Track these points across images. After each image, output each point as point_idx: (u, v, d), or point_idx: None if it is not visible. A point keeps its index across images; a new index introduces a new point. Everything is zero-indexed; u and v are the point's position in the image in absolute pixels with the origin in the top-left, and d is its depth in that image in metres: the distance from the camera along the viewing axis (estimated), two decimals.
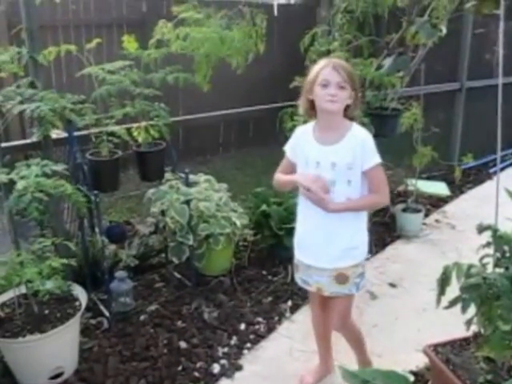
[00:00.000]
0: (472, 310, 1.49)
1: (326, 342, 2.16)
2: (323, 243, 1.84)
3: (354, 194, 1.80)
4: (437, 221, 3.92)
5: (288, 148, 1.95)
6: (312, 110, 1.84)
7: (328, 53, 3.19)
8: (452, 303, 1.48)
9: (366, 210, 1.95)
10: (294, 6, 5.58)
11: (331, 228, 1.82)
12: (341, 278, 1.85)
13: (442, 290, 1.51)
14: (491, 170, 4.93)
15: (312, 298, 2.09)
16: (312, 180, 1.78)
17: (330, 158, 1.78)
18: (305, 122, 3.17)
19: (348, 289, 1.88)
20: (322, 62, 1.78)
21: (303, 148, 1.86)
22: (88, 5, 3.56)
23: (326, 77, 1.72)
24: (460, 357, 1.71)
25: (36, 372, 2.10)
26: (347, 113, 1.82)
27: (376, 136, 3.13)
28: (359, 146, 1.76)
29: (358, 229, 1.87)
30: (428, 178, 4.34)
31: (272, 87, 3.87)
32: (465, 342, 1.80)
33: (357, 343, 2.11)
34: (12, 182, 1.86)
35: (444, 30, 3.03)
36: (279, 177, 1.98)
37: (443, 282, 1.50)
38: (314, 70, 1.78)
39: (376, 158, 1.79)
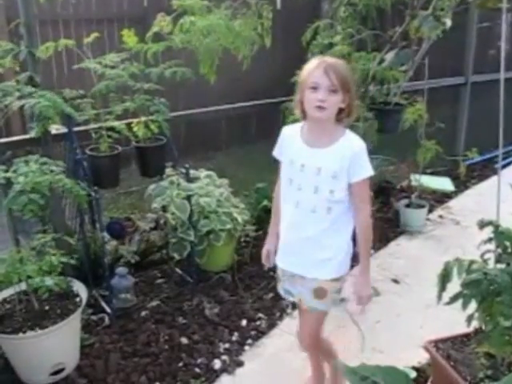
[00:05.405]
0: (473, 305, 1.47)
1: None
2: (309, 251, 1.73)
3: (336, 206, 1.67)
4: (441, 216, 3.89)
5: (275, 150, 1.83)
6: (304, 111, 1.68)
7: (330, 46, 3.16)
8: (453, 299, 1.46)
9: (369, 237, 1.75)
10: None
11: (316, 236, 1.71)
12: (319, 291, 1.73)
13: (442, 286, 1.49)
14: (496, 166, 4.88)
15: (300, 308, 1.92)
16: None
17: (316, 163, 1.65)
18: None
19: (325, 305, 1.77)
20: (313, 62, 1.63)
21: (289, 148, 1.74)
22: None
23: (316, 79, 1.58)
24: (461, 353, 1.70)
25: (37, 368, 2.10)
26: (340, 117, 1.66)
27: (379, 131, 3.16)
28: (350, 157, 1.61)
29: (341, 240, 1.74)
30: (432, 174, 4.31)
31: (275, 82, 3.84)
32: (466, 337, 1.79)
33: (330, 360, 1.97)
34: (10, 180, 1.85)
35: (448, 23, 2.98)
36: (274, 205, 1.89)
37: (444, 278, 1.48)
38: (305, 69, 1.64)
39: (369, 171, 1.64)
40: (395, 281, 2.97)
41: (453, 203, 4.14)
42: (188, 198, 2.69)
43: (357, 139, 1.68)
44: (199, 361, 2.27)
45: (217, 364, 2.26)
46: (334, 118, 1.65)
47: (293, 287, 1.82)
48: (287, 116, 3.25)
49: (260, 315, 2.60)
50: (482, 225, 1.49)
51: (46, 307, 2.18)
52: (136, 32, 2.47)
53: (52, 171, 1.93)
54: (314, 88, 1.59)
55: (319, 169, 1.64)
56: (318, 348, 1.94)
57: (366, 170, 1.64)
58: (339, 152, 1.63)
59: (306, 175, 1.67)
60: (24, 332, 2.03)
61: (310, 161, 1.67)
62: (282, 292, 1.90)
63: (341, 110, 1.64)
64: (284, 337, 2.45)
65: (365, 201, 1.70)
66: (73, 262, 2.13)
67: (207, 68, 2.53)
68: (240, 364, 2.27)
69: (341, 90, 1.59)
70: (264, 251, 1.93)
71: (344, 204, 1.68)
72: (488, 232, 1.58)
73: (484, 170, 4.81)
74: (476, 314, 1.49)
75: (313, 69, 1.61)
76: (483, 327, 1.51)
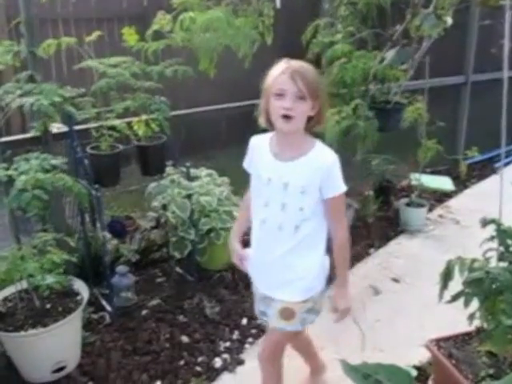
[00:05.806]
0: (475, 304, 1.47)
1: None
2: (276, 271, 1.64)
3: (305, 225, 1.55)
4: (440, 216, 3.89)
5: (245, 161, 1.72)
6: (270, 121, 1.56)
7: (331, 45, 3.16)
8: (455, 297, 1.47)
9: (346, 253, 1.65)
10: None
11: (283, 256, 1.60)
12: (286, 312, 1.62)
13: (444, 285, 1.50)
14: (497, 165, 4.88)
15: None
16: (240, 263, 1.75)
17: (282, 177, 1.53)
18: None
19: (294, 326, 1.67)
20: (278, 67, 1.50)
21: (257, 160, 1.64)
22: None
23: (281, 86, 1.46)
24: (462, 351, 1.70)
25: (39, 366, 2.11)
26: (309, 126, 1.55)
27: (380, 130, 3.16)
28: (322, 172, 1.50)
29: (310, 260, 1.63)
30: (432, 173, 4.30)
31: None
32: (467, 336, 1.79)
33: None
34: (11, 177, 1.85)
35: (449, 21, 2.98)
36: (240, 212, 1.87)
37: (446, 277, 1.48)
38: (270, 75, 1.51)
39: (342, 187, 1.55)
40: (395, 280, 2.97)
41: (453, 202, 4.14)
42: (188, 196, 2.69)
43: (328, 152, 1.56)
44: (200, 359, 2.28)
45: (217, 362, 2.26)
46: (302, 128, 1.54)
47: (266, 307, 1.71)
48: None
49: None
50: (485, 223, 1.49)
51: (48, 305, 2.19)
52: (136, 30, 2.46)
53: (54, 167, 1.93)
54: (280, 95, 1.47)
55: (286, 184, 1.53)
56: (272, 365, 1.83)
57: (339, 184, 1.55)
58: (308, 166, 1.52)
59: (272, 190, 1.56)
60: (25, 330, 2.04)
61: (276, 175, 1.55)
62: (257, 312, 1.81)
63: (310, 119, 1.53)
64: None
65: (340, 216, 1.60)
66: (74, 259, 2.13)
67: (206, 64, 2.51)
68: (241, 362, 2.27)
69: (309, 96, 1.47)
70: (237, 261, 1.83)
71: (313, 222, 1.57)
72: (489, 231, 1.58)
73: (484, 170, 4.80)
74: (478, 313, 1.49)
75: (278, 74, 1.48)
76: (485, 326, 1.51)
